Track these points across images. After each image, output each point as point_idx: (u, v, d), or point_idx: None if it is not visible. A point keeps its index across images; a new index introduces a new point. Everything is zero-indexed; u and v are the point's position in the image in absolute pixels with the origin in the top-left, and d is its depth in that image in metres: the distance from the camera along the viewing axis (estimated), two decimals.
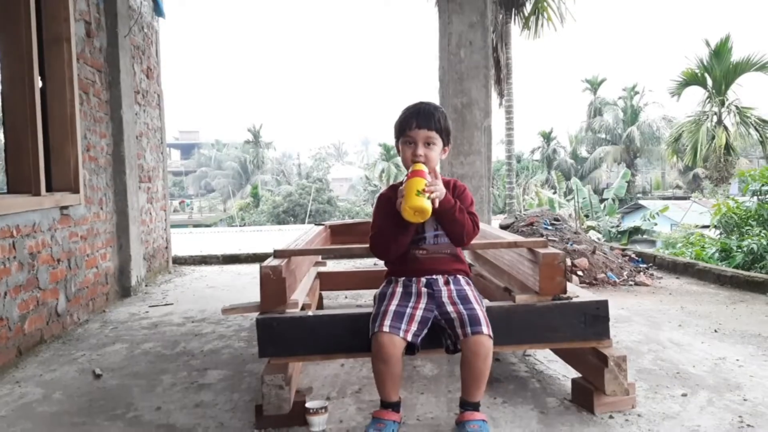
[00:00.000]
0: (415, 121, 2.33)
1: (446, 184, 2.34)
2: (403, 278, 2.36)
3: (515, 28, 16.31)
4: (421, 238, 2.36)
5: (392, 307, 2.24)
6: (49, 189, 4.05)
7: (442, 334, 2.27)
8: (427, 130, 2.33)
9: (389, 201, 2.36)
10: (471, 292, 2.32)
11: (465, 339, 2.15)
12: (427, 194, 2.17)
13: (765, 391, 2.61)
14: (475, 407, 2.22)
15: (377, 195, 2.53)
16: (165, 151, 6.98)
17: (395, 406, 2.25)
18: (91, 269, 4.60)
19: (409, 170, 2.27)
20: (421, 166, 2.26)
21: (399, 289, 2.33)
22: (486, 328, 2.16)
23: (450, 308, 2.24)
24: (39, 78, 3.88)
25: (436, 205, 2.21)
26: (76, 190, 4.36)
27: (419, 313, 2.25)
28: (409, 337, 2.18)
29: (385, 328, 2.16)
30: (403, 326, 2.19)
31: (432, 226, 2.35)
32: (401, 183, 2.36)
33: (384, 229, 2.34)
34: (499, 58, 16.11)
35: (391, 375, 2.20)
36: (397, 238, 2.31)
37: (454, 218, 2.29)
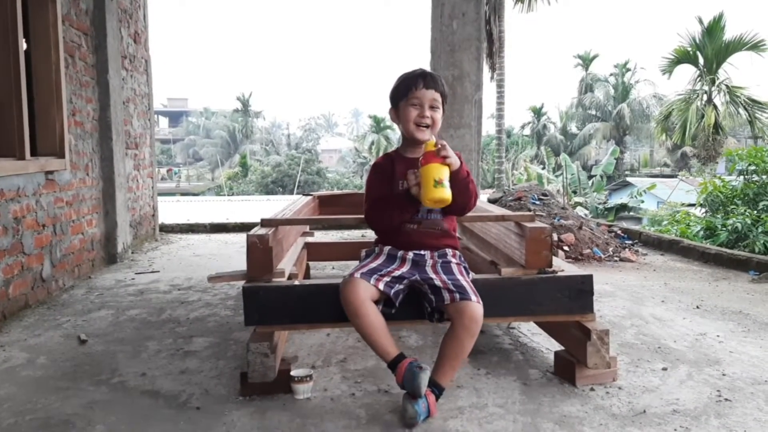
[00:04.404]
0: (423, 81, 2.28)
1: None
2: (390, 247, 2.36)
3: (509, 1, 16.19)
4: (414, 211, 2.33)
5: (371, 266, 2.24)
6: (33, 153, 4.00)
7: (423, 299, 2.24)
8: (434, 91, 2.29)
9: (386, 170, 2.34)
10: (456, 266, 2.31)
11: (453, 303, 2.11)
12: (445, 182, 2.09)
13: (743, 366, 2.66)
14: (439, 393, 2.14)
15: (371, 163, 2.49)
16: (152, 118, 6.90)
17: (401, 357, 2.12)
18: (77, 235, 4.56)
19: (422, 154, 2.15)
20: (432, 147, 2.13)
21: (384, 254, 2.34)
22: (475, 296, 2.14)
23: (433, 275, 2.22)
24: (23, 40, 3.80)
25: (453, 168, 2.14)
26: (62, 155, 4.31)
27: (397, 272, 2.24)
28: (381, 286, 2.16)
29: (355, 275, 2.17)
30: (375, 277, 2.17)
31: None
32: (395, 151, 2.34)
33: (387, 200, 2.29)
34: (492, 30, 16.01)
35: (373, 328, 2.11)
36: (402, 209, 2.27)
37: (467, 189, 2.25)
